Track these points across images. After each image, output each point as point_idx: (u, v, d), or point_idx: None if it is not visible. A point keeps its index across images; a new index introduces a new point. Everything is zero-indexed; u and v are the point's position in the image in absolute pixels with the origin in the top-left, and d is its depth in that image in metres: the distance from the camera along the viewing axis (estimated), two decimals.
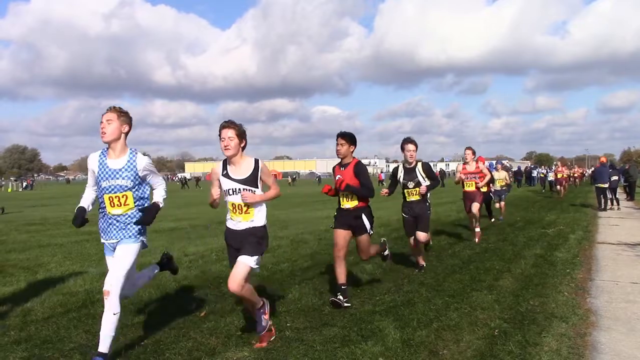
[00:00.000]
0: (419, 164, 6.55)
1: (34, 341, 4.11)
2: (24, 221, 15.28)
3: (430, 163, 7.35)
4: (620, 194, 20.05)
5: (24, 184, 65.52)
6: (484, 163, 10.99)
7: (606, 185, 16.75)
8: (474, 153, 9.62)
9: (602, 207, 16.48)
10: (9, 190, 56.88)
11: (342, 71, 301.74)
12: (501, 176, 14.00)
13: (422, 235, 6.50)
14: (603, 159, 19.65)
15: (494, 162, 19.92)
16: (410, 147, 6.45)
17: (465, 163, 9.73)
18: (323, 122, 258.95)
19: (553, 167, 30.44)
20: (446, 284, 5.90)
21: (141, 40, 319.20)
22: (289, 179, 65.42)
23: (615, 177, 17.53)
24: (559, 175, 24.87)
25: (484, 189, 10.52)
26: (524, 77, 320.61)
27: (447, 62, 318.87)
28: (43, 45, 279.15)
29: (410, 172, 6.54)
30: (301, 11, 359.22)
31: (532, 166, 53.27)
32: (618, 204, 17.23)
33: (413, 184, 6.48)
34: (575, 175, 38.23)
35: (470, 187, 9.56)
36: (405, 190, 6.59)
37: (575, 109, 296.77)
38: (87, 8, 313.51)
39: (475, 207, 9.43)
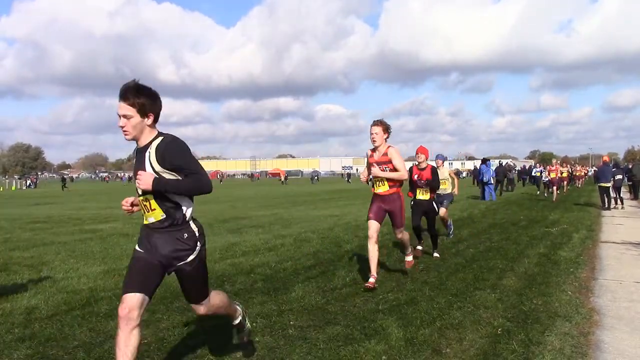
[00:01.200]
0: (156, 142, 2.89)
1: (38, 339, 4.13)
2: (28, 219, 15.31)
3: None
4: (625, 192, 20.00)
5: (28, 182, 65.71)
6: (427, 157, 7.57)
7: (609, 184, 16.72)
8: (385, 130, 5.76)
9: (606, 206, 16.45)
10: (13, 188, 57.08)
11: (346, 69, 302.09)
12: (444, 175, 9.18)
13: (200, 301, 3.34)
14: (606, 158, 19.66)
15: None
16: (123, 104, 2.89)
17: (373, 149, 5.93)
18: (327, 121, 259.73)
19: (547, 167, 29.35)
20: (449, 283, 5.90)
21: (146, 38, 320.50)
22: (281, 177, 65.39)
23: (619, 176, 17.51)
24: (552, 175, 21.16)
25: (425, 196, 7.53)
26: (529, 75, 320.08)
27: (452, 61, 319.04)
28: (47, 43, 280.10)
29: (139, 158, 2.96)
30: (306, 9, 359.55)
31: (533, 166, 53.14)
32: (622, 203, 17.20)
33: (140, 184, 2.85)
34: (577, 174, 37.93)
35: (381, 188, 5.86)
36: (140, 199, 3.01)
37: (580, 107, 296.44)
38: (92, 6, 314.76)
39: (399, 232, 6.06)
